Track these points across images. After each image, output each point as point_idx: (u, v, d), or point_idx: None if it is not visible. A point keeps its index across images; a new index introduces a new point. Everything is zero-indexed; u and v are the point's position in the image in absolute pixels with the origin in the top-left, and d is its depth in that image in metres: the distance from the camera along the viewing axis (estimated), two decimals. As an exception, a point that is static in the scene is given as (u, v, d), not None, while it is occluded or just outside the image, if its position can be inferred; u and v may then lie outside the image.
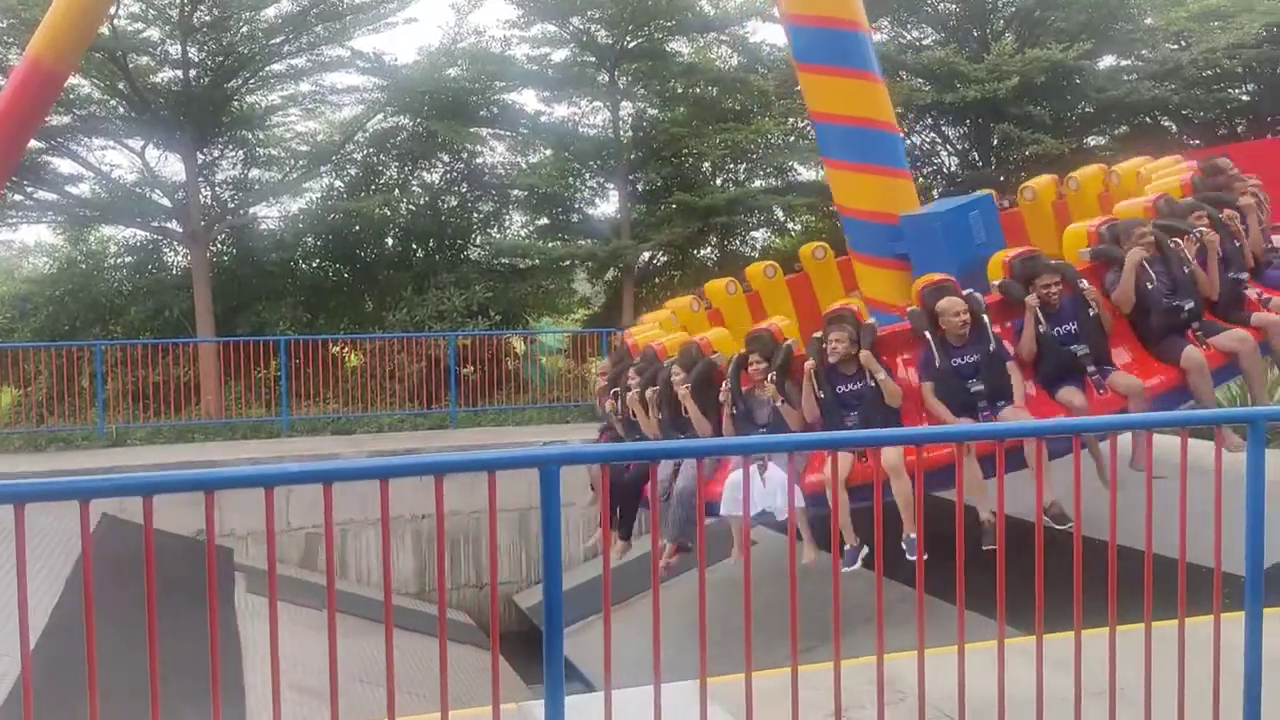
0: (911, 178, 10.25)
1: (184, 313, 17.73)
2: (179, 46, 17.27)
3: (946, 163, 22.82)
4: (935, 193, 22.44)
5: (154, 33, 17.27)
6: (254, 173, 20.08)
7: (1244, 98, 21.59)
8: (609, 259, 19.95)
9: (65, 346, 15.03)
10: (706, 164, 21.57)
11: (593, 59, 20.02)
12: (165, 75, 17.99)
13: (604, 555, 2.73)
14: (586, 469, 8.81)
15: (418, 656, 9.91)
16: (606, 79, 19.89)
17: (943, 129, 22.00)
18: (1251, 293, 7.80)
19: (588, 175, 21.51)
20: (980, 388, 7.21)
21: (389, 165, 21.14)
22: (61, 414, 14.44)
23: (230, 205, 19.40)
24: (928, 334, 7.45)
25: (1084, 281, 7.36)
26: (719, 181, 21.87)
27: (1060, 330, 7.26)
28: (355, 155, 20.61)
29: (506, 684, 8.96)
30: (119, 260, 19.95)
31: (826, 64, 9.43)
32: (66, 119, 17.22)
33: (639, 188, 20.88)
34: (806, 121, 20.37)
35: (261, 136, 19.71)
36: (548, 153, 21.43)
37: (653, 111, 20.78)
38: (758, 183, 22.02)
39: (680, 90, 20.46)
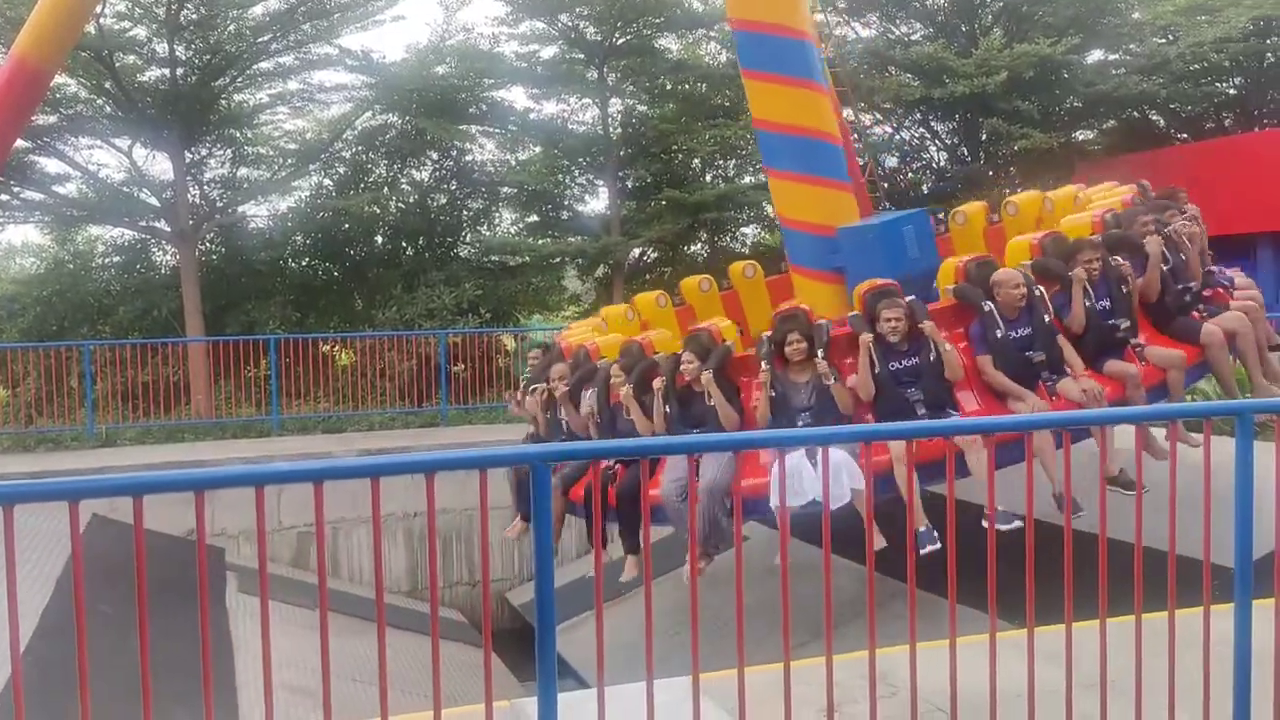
0: (852, 190, 10.09)
1: (173, 312, 17.68)
2: (166, 45, 17.21)
3: (935, 158, 22.88)
4: (925, 188, 22.51)
5: (141, 31, 17.20)
6: (242, 171, 20.04)
7: (1231, 91, 21.69)
8: (599, 256, 19.96)
9: (53, 347, 14.98)
10: (696, 160, 21.60)
11: (581, 56, 20.02)
12: (152, 74, 17.92)
13: (595, 552, 2.72)
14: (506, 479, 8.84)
15: (410, 654, 9.91)
16: (595, 76, 19.89)
17: (931, 124, 22.05)
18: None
19: (577, 172, 21.52)
20: (1042, 357, 7.25)
21: (378, 163, 21.11)
22: (50, 414, 14.38)
23: (219, 204, 19.34)
24: (987, 304, 7.34)
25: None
26: (709, 178, 21.90)
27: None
28: (344, 153, 20.58)
29: (499, 681, 8.97)
30: (107, 260, 19.89)
31: (771, 71, 9.39)
32: (53, 118, 17.15)
33: (629, 184, 20.89)
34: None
35: (250, 135, 19.66)
36: (537, 150, 21.43)
37: (642, 108, 20.80)
38: (747, 179, 22.02)
39: (669, 87, 20.48)
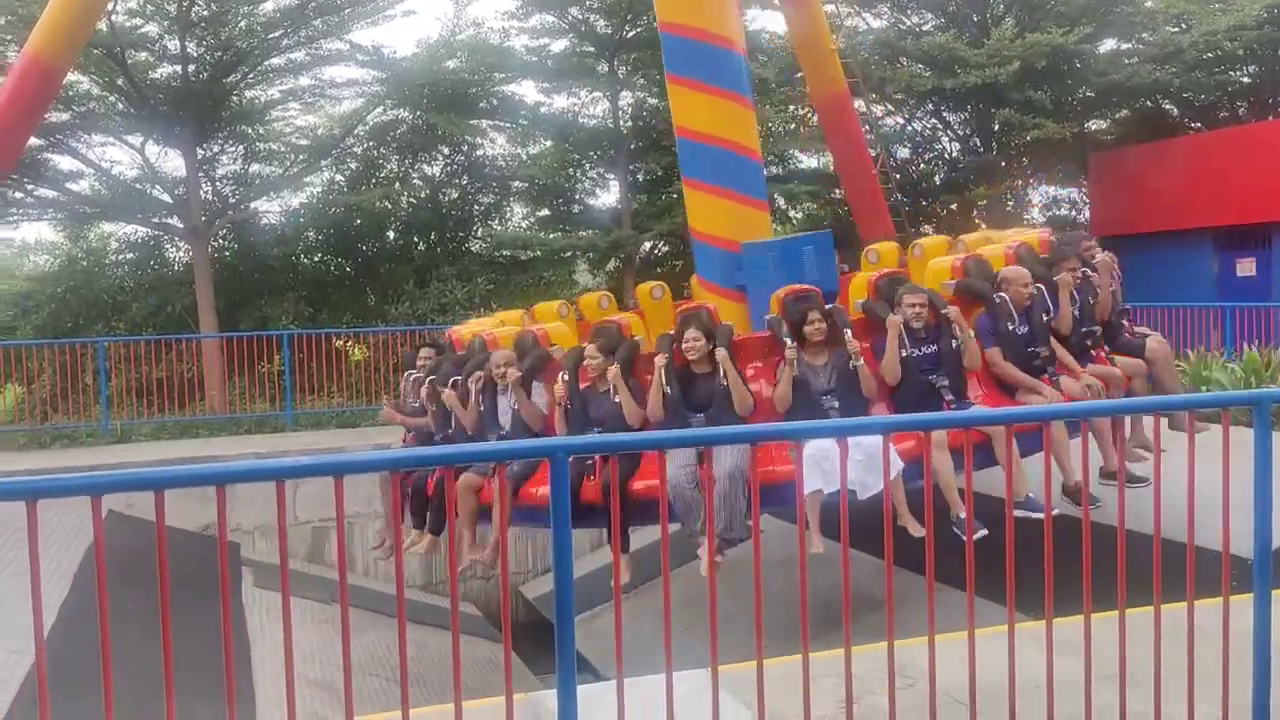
0: (769, 210, 10.02)
1: (186, 308, 17.74)
2: (178, 42, 17.24)
3: (947, 148, 22.79)
4: (937, 178, 22.44)
5: (152, 28, 17.24)
6: (254, 167, 20.07)
7: (1245, 80, 21.54)
8: (610, 249, 19.95)
9: (68, 344, 15.04)
10: (707, 153, 21.53)
11: (592, 49, 19.99)
12: (164, 71, 17.97)
13: (613, 545, 2.72)
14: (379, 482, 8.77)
15: (424, 648, 9.93)
16: (606, 69, 19.85)
17: (943, 114, 21.97)
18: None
19: (588, 166, 21.51)
20: (1047, 353, 7.30)
21: (389, 158, 21.12)
22: (65, 411, 14.46)
23: (231, 200, 19.39)
24: (999, 296, 7.32)
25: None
26: (720, 170, 21.83)
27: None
28: (355, 149, 20.60)
29: (515, 674, 8.99)
30: (120, 257, 19.94)
31: (696, 78, 9.26)
32: (66, 116, 17.20)
33: (640, 177, 20.86)
34: (807, 109, 20.37)
35: (261, 131, 19.69)
36: (548, 144, 21.41)
37: (653, 101, 20.72)
38: (759, 171, 21.98)
39: (680, 79, 20.40)
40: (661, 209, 19.64)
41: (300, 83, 19.30)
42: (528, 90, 25.40)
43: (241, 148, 19.64)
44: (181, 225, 17.95)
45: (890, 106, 21.74)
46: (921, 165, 22.98)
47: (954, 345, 7.13)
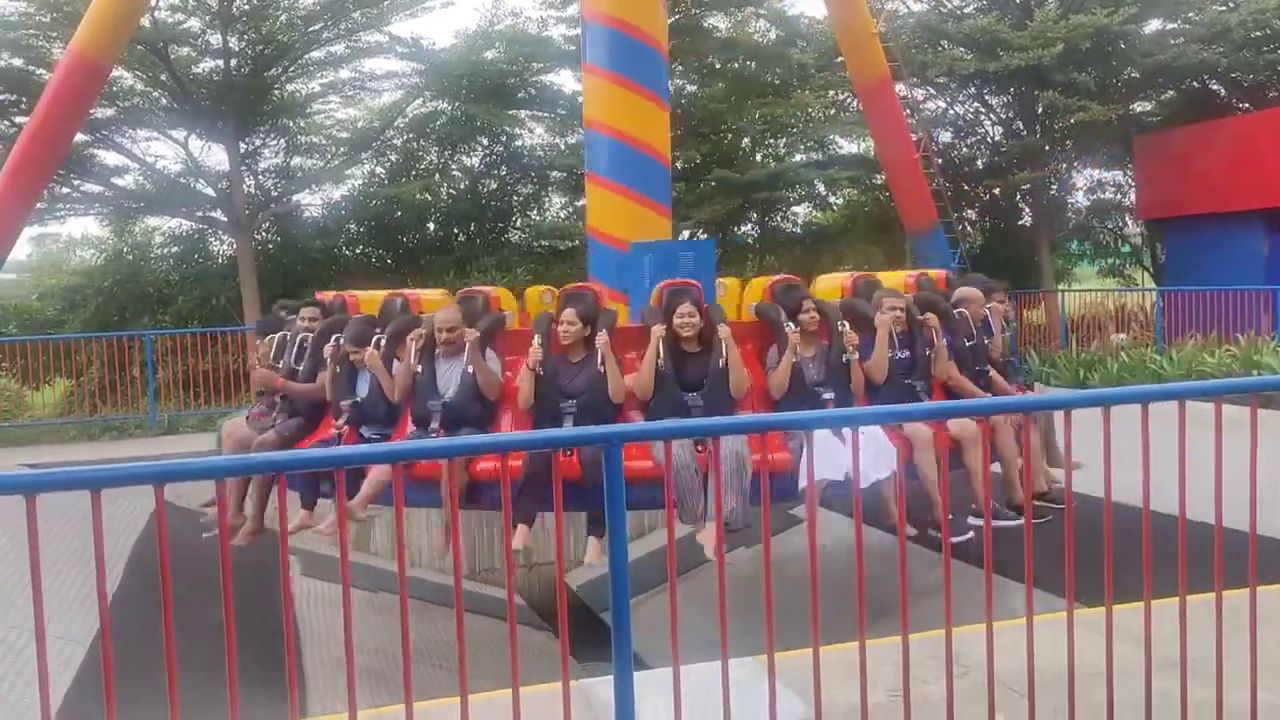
0: (669, 217, 9.63)
1: (231, 301, 17.92)
2: (219, 36, 17.40)
3: (990, 132, 22.50)
4: (980, 163, 22.18)
5: (194, 23, 17.40)
6: (296, 161, 20.22)
7: (1295, 59, 21.08)
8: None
9: (115, 336, 15.25)
10: (746, 139, 21.45)
11: (630, 37, 19.91)
12: (206, 65, 18.13)
13: (668, 530, 2.71)
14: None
15: (467, 636, 9.95)
16: (644, 57, 19.77)
17: (986, 98, 21.67)
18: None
19: (627, 154, 21.43)
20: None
21: (429, 150, 21.20)
22: (113, 403, 14.66)
23: (273, 193, 19.55)
24: (959, 312, 7.47)
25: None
26: (759, 157, 21.75)
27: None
28: (395, 141, 20.69)
29: (557, 662, 9.01)
30: (165, 250, 20.17)
31: (614, 72, 9.07)
32: (110, 111, 17.41)
33: (678, 165, 20.77)
34: (847, 94, 20.21)
35: (302, 124, 19.83)
36: (586, 133, 21.36)
37: (691, 88, 20.66)
38: (798, 157, 21.86)
39: (718, 66, 20.32)
40: (700, 197, 19.57)
41: (340, 75, 19.42)
42: (565, 80, 25.30)
43: (283, 141, 19.80)
44: (225, 219, 18.12)
45: (932, 90, 21.48)
46: (964, 149, 22.72)
47: (928, 352, 7.21)
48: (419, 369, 7.12)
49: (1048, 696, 3.21)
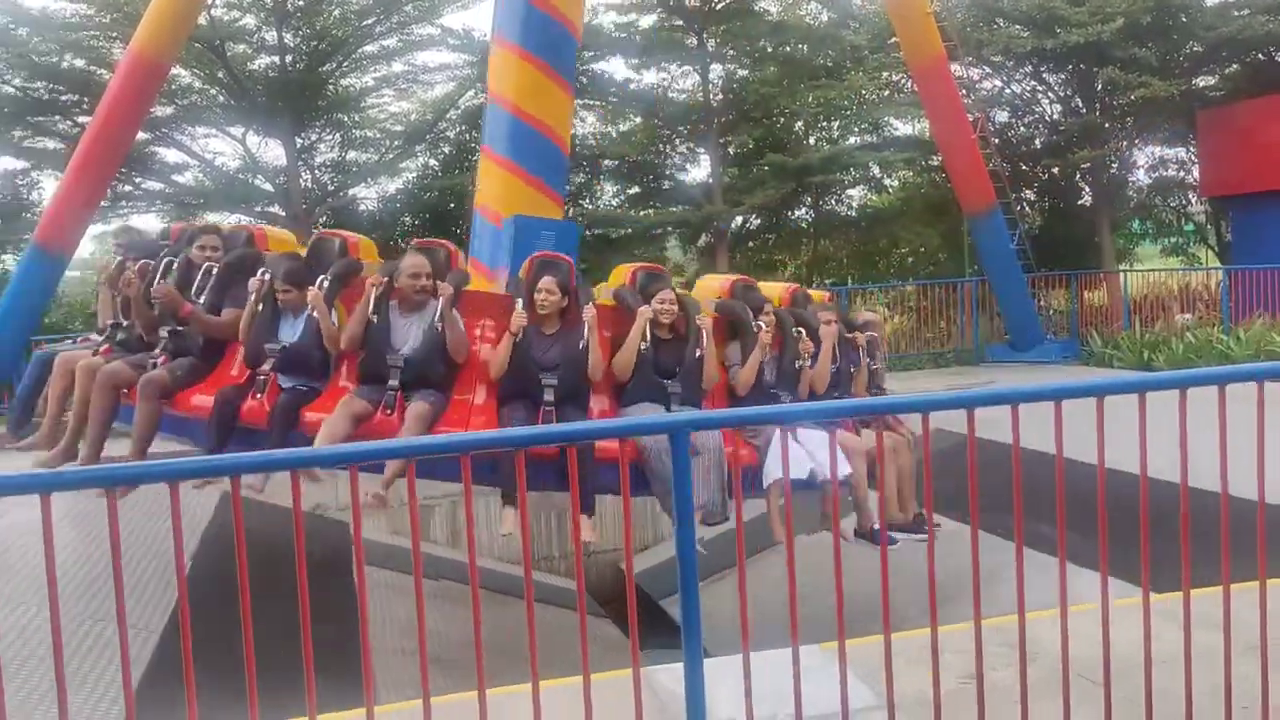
0: (562, 205, 9.33)
1: (290, 294, 18.12)
2: (274, 33, 17.62)
3: (1048, 111, 22.10)
4: (1037, 142, 21.81)
5: (250, 20, 17.65)
6: (351, 155, 20.43)
7: (1365, 28, 20.46)
8: (702, 225, 19.85)
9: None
10: (799, 123, 21.29)
11: (680, 22, 19.82)
12: (262, 62, 18.37)
13: (737, 515, 2.70)
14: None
15: (521, 621, 10.01)
16: (695, 42, 19.68)
17: (1043, 76, 21.28)
18: None
19: (678, 141, 21.39)
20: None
21: (481, 141, 21.26)
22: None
23: (330, 188, 19.77)
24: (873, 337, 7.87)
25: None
26: (812, 140, 21.59)
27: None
28: (448, 133, 20.80)
29: (619, 651, 9.04)
30: (226, 246, 20.42)
31: (523, 47, 8.80)
32: (170, 109, 17.71)
33: (730, 151, 20.69)
34: (901, 75, 19.96)
35: (357, 118, 20.03)
36: (637, 120, 21.35)
37: (743, 72, 20.53)
38: (852, 140, 21.65)
39: (770, 49, 20.15)
40: (754, 182, 19.45)
41: (393, 69, 19.58)
42: (616, 67, 25.31)
43: (338, 135, 20.00)
44: (283, 213, 18.37)
45: (988, 69, 21.15)
46: (1021, 129, 22.36)
47: (853, 368, 7.36)
48: (374, 318, 6.68)
49: (1119, 684, 3.16)
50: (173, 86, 17.03)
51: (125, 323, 7.63)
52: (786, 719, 2.84)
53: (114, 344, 7.65)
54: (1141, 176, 22.94)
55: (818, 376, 7.30)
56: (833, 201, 22.75)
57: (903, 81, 20.73)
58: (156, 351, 7.08)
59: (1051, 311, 18.65)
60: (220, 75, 17.53)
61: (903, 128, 22.21)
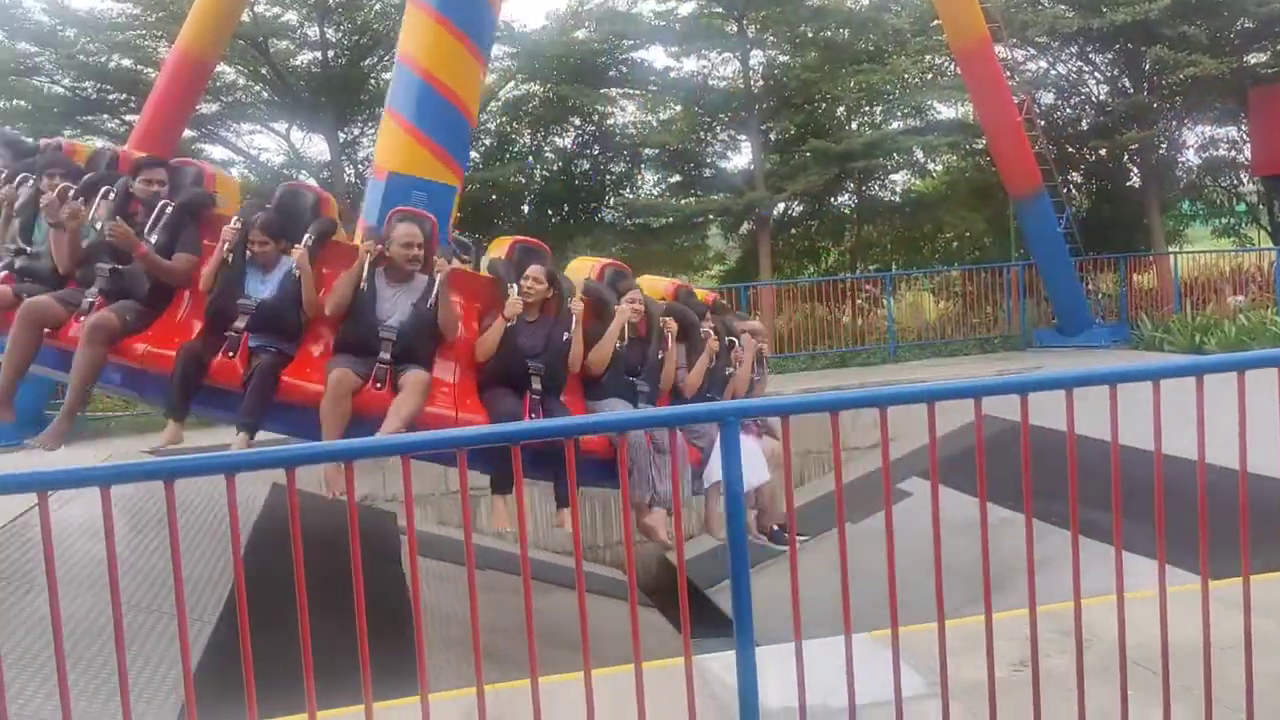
0: (461, 176, 9.03)
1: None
2: (316, 28, 17.76)
3: (1094, 92, 21.76)
4: (1084, 123, 21.50)
5: (292, 16, 17.78)
6: (393, 148, 20.50)
7: None
8: (743, 212, 19.76)
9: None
10: (841, 108, 21.13)
11: (720, 9, 19.71)
12: (304, 57, 18.53)
13: (788, 507, 2.68)
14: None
15: (568, 610, 10.06)
16: (735, 28, 19.56)
17: (1089, 56, 20.95)
18: None
19: (719, 128, 21.31)
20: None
21: (521, 133, 21.34)
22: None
23: (372, 181, 19.89)
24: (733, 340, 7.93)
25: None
26: (854, 125, 21.41)
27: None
28: (489, 125, 20.85)
29: (667, 639, 9.06)
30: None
31: (441, 11, 8.52)
32: (215, 107, 17.91)
33: (772, 137, 20.58)
34: (945, 58, 19.74)
35: (398, 112, 20.10)
36: (678, 108, 21.29)
37: (783, 58, 20.39)
38: (895, 124, 21.44)
39: (811, 35, 19.99)
40: (796, 168, 19.32)
41: (433, 62, 19.61)
42: (656, 56, 25.32)
43: (380, 129, 20.10)
44: (328, 208, 18.50)
45: (1032, 51, 20.86)
46: (1067, 110, 22.03)
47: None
48: (363, 286, 6.56)
49: (1176, 672, 3.12)
50: (217, 84, 17.20)
51: (29, 249, 6.86)
52: (838, 707, 2.82)
53: (12, 271, 6.90)
54: (1191, 156, 22.55)
55: (696, 381, 7.45)
56: (876, 187, 22.57)
57: (946, 64, 20.50)
58: (93, 290, 6.51)
59: (1100, 295, 18.40)
60: (264, 72, 17.70)
61: (946, 111, 21.97)
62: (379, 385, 6.39)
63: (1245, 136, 21.48)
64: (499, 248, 7.71)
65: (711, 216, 20.55)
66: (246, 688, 2.39)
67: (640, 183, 22.41)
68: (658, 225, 20.59)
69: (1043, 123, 19.04)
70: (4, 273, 6.88)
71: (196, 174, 7.13)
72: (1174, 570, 3.10)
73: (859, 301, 19.05)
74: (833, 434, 2.58)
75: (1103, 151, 21.01)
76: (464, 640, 9.12)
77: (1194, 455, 2.90)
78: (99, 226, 6.61)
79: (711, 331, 7.54)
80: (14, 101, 17.24)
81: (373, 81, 18.98)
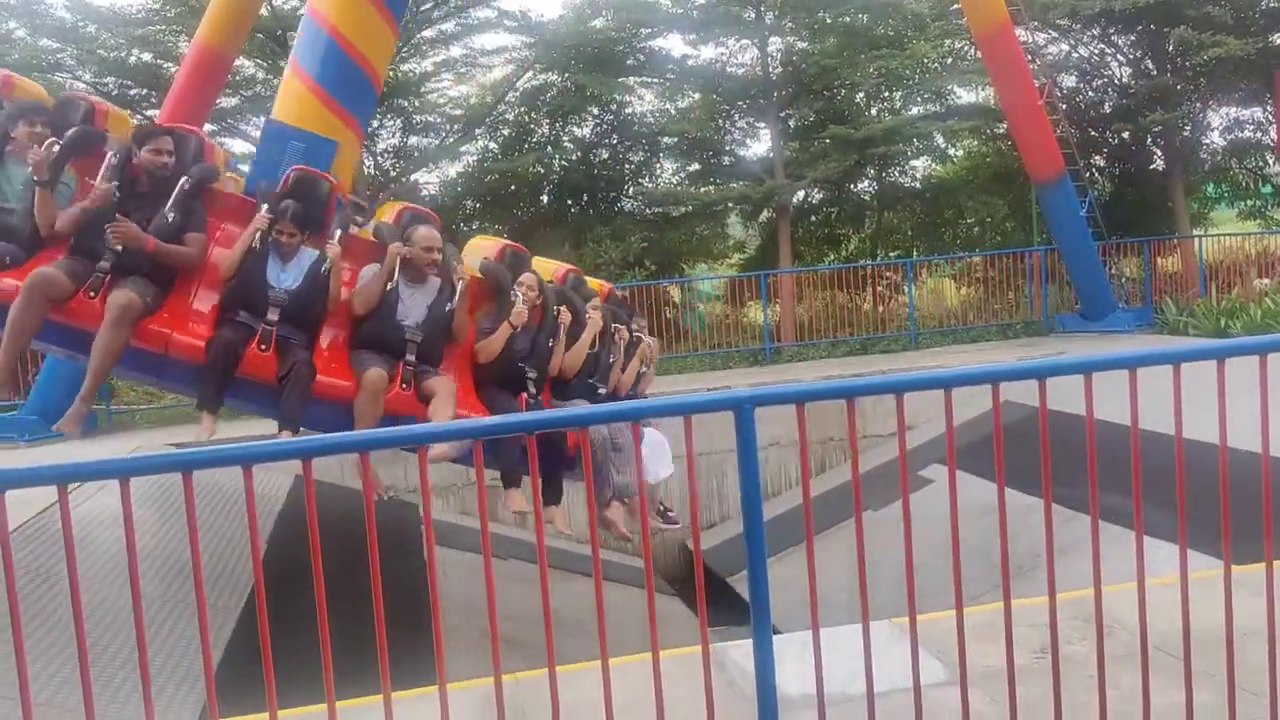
0: (363, 141, 8.89)
1: (355, 280, 18.37)
2: (334, 21, 17.75)
3: (1117, 74, 21.54)
4: (1107, 106, 21.32)
5: (310, 9, 17.80)
6: (412, 140, 20.61)
7: None
8: (763, 200, 19.70)
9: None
10: (860, 94, 21.02)
11: (738, -4, 19.67)
12: (323, 50, 18.53)
13: (804, 494, 2.68)
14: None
15: (587, 599, 10.09)
16: (753, 15, 19.48)
17: (1112, 38, 20.74)
18: None
19: (738, 116, 21.26)
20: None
21: (540, 123, 21.35)
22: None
23: (392, 174, 19.97)
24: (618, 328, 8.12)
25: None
26: (874, 111, 21.29)
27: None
28: (507, 116, 20.88)
29: (687, 627, 9.08)
30: (291, 234, 20.76)
31: None
32: (235, 100, 17.97)
33: (791, 124, 20.50)
34: (965, 42, 19.60)
35: (417, 104, 20.16)
36: (696, 96, 21.24)
37: (802, 45, 20.29)
38: (915, 110, 21.31)
39: (829, 20, 19.91)
40: (815, 155, 19.24)
41: (451, 53, 19.66)
42: (674, 44, 25.25)
43: (399, 121, 20.17)
44: (347, 200, 18.57)
45: (1054, 33, 20.68)
46: (1089, 93, 21.84)
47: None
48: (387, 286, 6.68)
49: (1198, 657, 3.09)
50: (237, 78, 17.28)
51: (5, 204, 6.35)
52: (858, 694, 2.82)
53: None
54: (1216, 138, 22.29)
55: (571, 358, 7.51)
56: (896, 173, 22.45)
57: (966, 49, 20.36)
58: (103, 265, 6.19)
59: (1124, 280, 18.25)
60: (283, 65, 17.72)
61: (967, 96, 21.83)
62: (405, 386, 6.53)
63: (1271, 117, 21.21)
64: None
65: (731, 204, 20.50)
66: (266, 676, 2.40)
67: (659, 171, 22.39)
68: (677, 214, 20.56)
69: (1065, 106, 18.88)
70: None
71: (198, 144, 6.90)
72: (1196, 555, 3.08)
73: (880, 288, 18.98)
74: (849, 420, 2.57)
75: (1125, 134, 20.81)
76: (485, 628, 9.17)
77: (1216, 439, 2.87)
78: (71, 185, 6.32)
79: (592, 315, 7.64)
80: (37, 98, 17.36)
81: (391, 73, 18.99)
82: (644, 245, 19.01)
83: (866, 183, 22.29)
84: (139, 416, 14.20)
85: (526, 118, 21.05)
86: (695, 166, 21.79)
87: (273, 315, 6.38)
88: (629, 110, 21.47)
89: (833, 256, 22.56)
